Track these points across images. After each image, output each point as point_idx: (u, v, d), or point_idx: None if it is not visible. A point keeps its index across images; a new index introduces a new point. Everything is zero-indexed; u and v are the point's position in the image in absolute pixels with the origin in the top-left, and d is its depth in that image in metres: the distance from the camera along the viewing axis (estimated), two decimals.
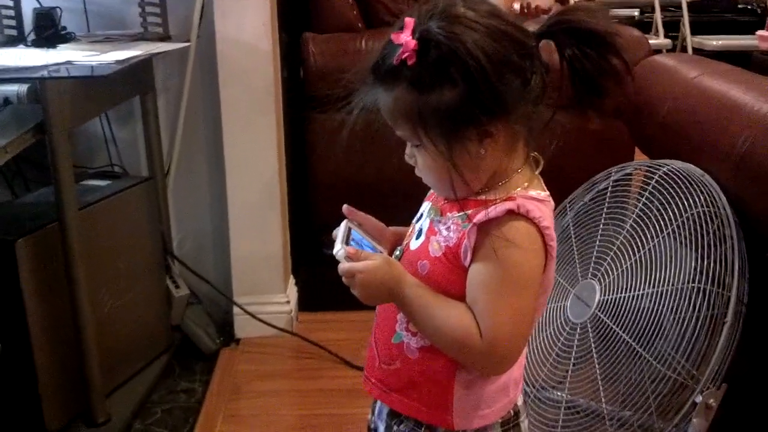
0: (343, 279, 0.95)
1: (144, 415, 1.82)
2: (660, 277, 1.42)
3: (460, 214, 0.95)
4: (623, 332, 1.41)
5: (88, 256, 1.68)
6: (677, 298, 1.38)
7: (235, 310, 2.19)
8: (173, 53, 2.09)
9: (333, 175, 2.45)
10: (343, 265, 0.94)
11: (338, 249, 0.97)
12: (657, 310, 1.39)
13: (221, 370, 2.03)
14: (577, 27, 0.92)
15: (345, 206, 1.04)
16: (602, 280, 1.51)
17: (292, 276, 2.34)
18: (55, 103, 1.60)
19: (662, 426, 1.31)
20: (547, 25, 0.93)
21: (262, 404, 1.90)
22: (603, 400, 1.38)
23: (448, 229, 0.95)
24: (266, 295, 2.22)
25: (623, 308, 1.43)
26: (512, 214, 0.90)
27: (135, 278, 1.94)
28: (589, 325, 1.48)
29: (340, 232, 1.00)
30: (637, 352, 1.37)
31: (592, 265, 1.55)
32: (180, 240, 2.25)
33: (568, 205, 1.70)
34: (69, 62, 1.73)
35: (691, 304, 1.35)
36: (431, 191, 1.04)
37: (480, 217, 0.90)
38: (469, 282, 0.92)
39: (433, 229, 0.98)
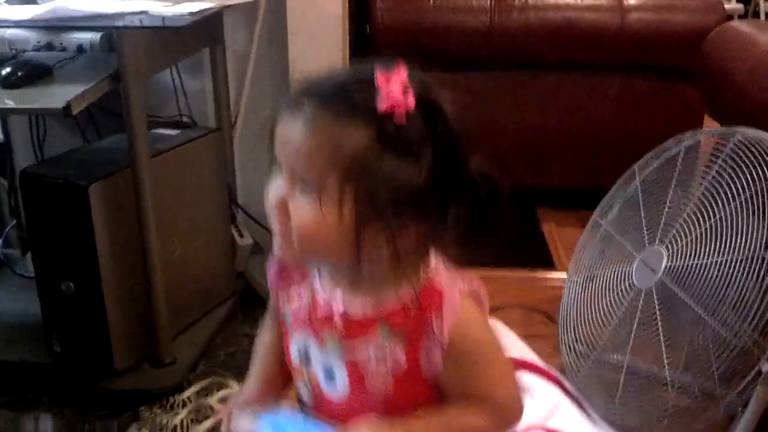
0: None
1: (208, 357, 1.87)
2: (729, 245, 1.41)
3: (382, 330, 0.83)
4: (689, 299, 1.39)
5: (157, 204, 1.72)
6: (746, 266, 1.36)
7: None
8: (243, 6, 2.10)
9: None
10: None
11: None
12: (725, 278, 1.38)
13: None
14: None
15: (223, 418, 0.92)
16: (670, 246, 1.50)
17: None
18: (130, 52, 1.63)
19: (724, 393, 1.31)
20: None
21: None
22: (665, 364, 1.38)
23: (380, 359, 0.83)
24: None
25: (690, 275, 1.42)
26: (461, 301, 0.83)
27: (201, 226, 1.99)
28: (654, 291, 1.47)
29: None
30: (702, 318, 1.36)
31: (660, 231, 1.54)
32: (244, 190, 2.28)
33: (637, 170, 1.68)
34: (144, 12, 1.75)
35: (760, 273, 1.33)
36: (288, 319, 0.90)
37: (439, 331, 0.81)
38: (455, 381, 0.84)
39: (356, 367, 0.84)
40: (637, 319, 1.47)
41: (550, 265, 2.15)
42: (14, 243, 2.18)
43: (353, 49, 2.29)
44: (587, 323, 1.58)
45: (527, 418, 1.43)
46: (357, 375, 0.84)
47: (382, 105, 0.75)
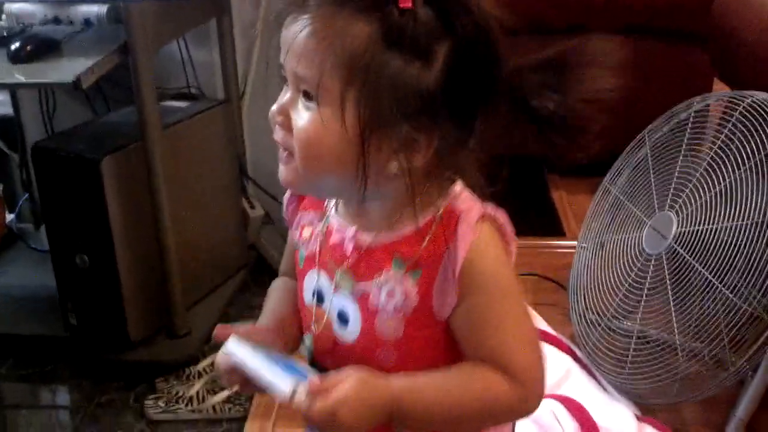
0: (317, 424, 0.71)
1: None
2: (738, 210, 1.41)
3: (396, 264, 0.75)
4: (699, 264, 1.40)
5: (169, 176, 1.73)
6: (755, 232, 1.36)
7: None
8: None
9: None
10: (313, 408, 0.70)
11: (288, 388, 0.71)
12: (734, 243, 1.38)
13: None
14: None
15: (218, 328, 0.83)
16: (680, 212, 1.50)
17: None
18: (137, 24, 1.63)
19: (734, 359, 1.32)
20: None
21: None
22: (675, 331, 1.39)
23: (390, 295, 0.75)
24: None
25: (700, 241, 1.42)
26: (479, 226, 0.74)
27: (213, 198, 2.00)
28: (664, 257, 1.47)
29: (252, 364, 0.75)
30: (712, 284, 1.37)
31: (670, 196, 1.54)
32: (254, 162, 2.29)
33: (646, 135, 1.68)
34: None
35: None
36: (301, 260, 0.83)
37: (453, 259, 0.73)
38: (468, 326, 0.75)
39: (367, 306, 0.77)
40: (647, 285, 1.47)
41: (560, 232, 2.15)
42: (27, 217, 2.20)
43: None
44: (597, 290, 1.58)
45: None
46: (368, 313, 0.77)
47: None
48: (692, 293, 1.39)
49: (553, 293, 1.81)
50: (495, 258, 0.74)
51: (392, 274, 0.75)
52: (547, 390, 1.40)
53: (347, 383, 0.72)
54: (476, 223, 0.73)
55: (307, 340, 0.83)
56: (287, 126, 0.73)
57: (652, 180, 1.60)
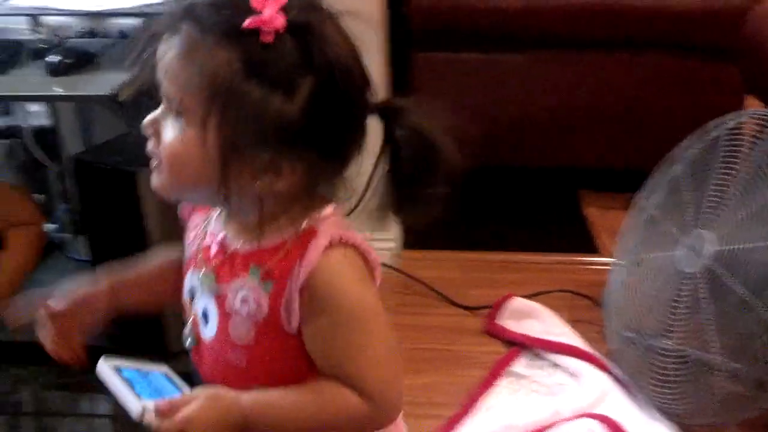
0: None
1: None
2: None
3: (252, 273, 0.79)
4: (736, 284, 1.40)
5: None
6: None
7: None
8: None
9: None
10: (162, 427, 0.75)
11: (139, 409, 0.76)
12: None
13: None
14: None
15: (38, 300, 0.91)
16: (715, 230, 1.50)
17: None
18: None
19: None
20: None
21: None
22: (714, 351, 1.39)
23: (244, 301, 0.79)
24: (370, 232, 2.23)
25: (737, 259, 1.42)
26: (327, 250, 0.76)
27: None
28: (699, 276, 1.47)
29: (113, 384, 0.83)
30: (750, 304, 1.37)
31: (705, 214, 1.54)
32: None
33: (680, 153, 1.68)
34: None
35: None
36: (187, 258, 0.88)
37: (297, 277, 0.76)
38: (316, 346, 0.78)
39: (224, 308, 0.81)
40: (684, 304, 1.47)
41: (592, 249, 2.14)
42: (66, 227, 2.22)
43: (389, 28, 2.27)
44: (633, 308, 1.58)
45: (575, 404, 1.46)
46: (224, 314, 0.81)
47: (247, 22, 0.70)
48: (730, 313, 1.39)
49: (587, 310, 1.81)
50: (343, 282, 0.77)
51: (248, 281, 0.79)
52: (584, 409, 1.42)
53: (195, 403, 0.76)
54: (325, 246, 0.76)
55: (186, 335, 0.89)
56: (157, 139, 0.78)
57: (687, 197, 1.60)
